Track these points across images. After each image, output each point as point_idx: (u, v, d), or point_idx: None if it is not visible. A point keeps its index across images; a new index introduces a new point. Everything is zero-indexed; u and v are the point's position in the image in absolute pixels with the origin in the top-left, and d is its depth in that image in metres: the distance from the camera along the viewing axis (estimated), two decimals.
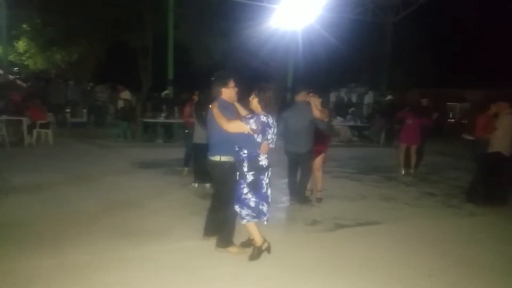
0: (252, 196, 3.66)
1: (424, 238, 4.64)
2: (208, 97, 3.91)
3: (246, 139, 3.63)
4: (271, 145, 3.72)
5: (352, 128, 15.21)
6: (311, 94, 5.48)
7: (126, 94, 13.50)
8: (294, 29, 16.05)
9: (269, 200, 3.80)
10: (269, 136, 3.65)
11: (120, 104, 13.05)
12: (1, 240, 3.91)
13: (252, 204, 3.66)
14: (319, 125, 5.50)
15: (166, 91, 13.98)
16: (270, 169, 3.75)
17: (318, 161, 5.74)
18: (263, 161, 3.68)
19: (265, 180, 3.72)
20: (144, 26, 16.50)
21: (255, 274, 3.48)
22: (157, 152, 10.26)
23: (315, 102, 5.42)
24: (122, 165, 8.19)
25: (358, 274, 3.58)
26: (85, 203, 5.33)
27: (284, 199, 5.89)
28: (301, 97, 5.52)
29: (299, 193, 5.67)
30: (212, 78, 3.82)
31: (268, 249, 3.79)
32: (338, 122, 14.74)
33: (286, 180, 5.86)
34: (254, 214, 3.70)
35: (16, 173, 6.80)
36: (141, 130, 12.54)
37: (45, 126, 10.19)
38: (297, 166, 5.63)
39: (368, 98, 18.16)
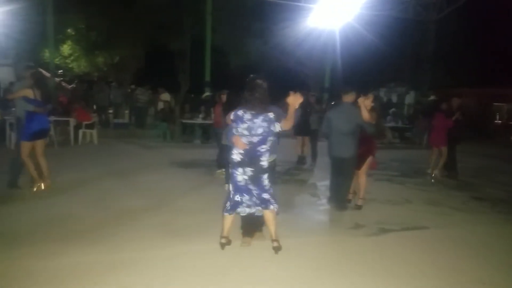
0: (229, 186, 3.86)
1: (474, 245, 4.42)
2: (235, 98, 3.90)
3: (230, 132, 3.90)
4: (244, 141, 3.67)
5: (393, 129, 14.76)
6: (362, 96, 5.29)
7: (166, 96, 13.83)
8: (331, 28, 15.81)
9: (253, 193, 3.75)
10: (239, 130, 3.67)
11: (160, 105, 13.39)
12: (47, 237, 4.06)
13: (230, 194, 3.83)
14: (367, 129, 5.26)
15: (206, 93, 14.17)
16: (251, 167, 3.67)
17: (363, 165, 5.52)
18: (234, 155, 3.71)
19: (241, 176, 3.71)
20: (182, 30, 16.84)
21: (301, 276, 3.42)
22: (195, 152, 10.41)
23: (365, 104, 5.22)
24: (162, 164, 8.37)
25: (406, 280, 3.43)
26: (129, 201, 5.48)
27: (325, 202, 5.79)
28: (349, 98, 5.29)
29: (340, 199, 5.46)
30: (247, 79, 3.81)
31: (222, 246, 3.82)
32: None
33: (327, 183, 5.75)
34: (228, 206, 3.80)
35: (63, 171, 7.07)
36: (180, 131, 12.79)
37: (90, 126, 10.62)
38: (340, 170, 5.42)
39: (409, 98, 17.57)
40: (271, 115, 3.67)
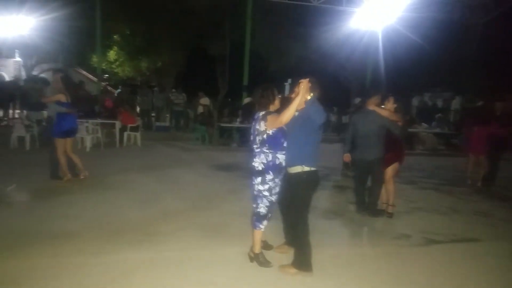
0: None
1: None
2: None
3: None
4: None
5: (438, 135, 14.16)
6: (388, 99, 5.16)
7: (205, 100, 14.10)
8: (373, 30, 15.45)
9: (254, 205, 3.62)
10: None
11: (200, 109, 13.67)
12: (97, 235, 4.23)
13: None
14: (394, 130, 5.09)
15: (248, 98, 14.27)
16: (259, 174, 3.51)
17: (389, 171, 5.27)
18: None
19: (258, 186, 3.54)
20: (222, 34, 17.08)
21: (345, 286, 3.34)
22: (232, 155, 10.51)
23: (389, 106, 5.10)
24: (201, 166, 8.53)
25: None
26: (170, 201, 5.65)
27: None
28: (373, 101, 5.14)
29: (371, 205, 5.28)
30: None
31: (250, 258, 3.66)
32: (422, 128, 13.84)
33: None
34: None
35: (109, 171, 7.41)
36: (218, 134, 12.97)
37: (134, 129, 11.01)
38: (366, 175, 5.27)
39: (456, 104, 16.80)
40: (260, 113, 3.50)
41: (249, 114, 10.91)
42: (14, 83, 14.61)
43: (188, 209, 5.31)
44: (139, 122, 11.44)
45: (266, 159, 3.45)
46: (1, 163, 7.56)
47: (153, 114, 14.63)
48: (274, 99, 3.52)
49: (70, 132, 6.36)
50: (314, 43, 16.11)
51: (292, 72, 15.73)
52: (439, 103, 17.69)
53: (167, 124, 14.41)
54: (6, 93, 13.43)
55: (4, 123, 12.97)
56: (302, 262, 3.42)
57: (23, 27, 14.55)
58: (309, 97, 3.28)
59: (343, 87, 18.86)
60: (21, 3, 14.05)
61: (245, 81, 15.06)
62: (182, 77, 19.71)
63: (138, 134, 11.06)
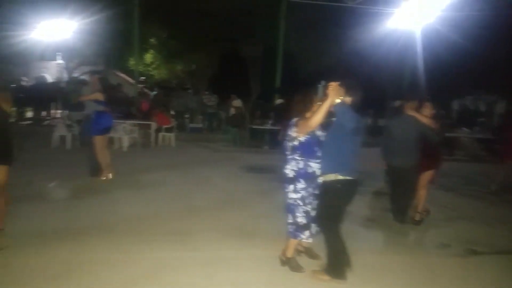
0: None
1: None
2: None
3: None
4: None
5: (480, 141, 13.47)
6: (426, 104, 4.96)
7: (237, 103, 14.17)
8: (411, 31, 14.94)
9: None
10: None
11: (232, 111, 13.76)
12: (130, 232, 4.34)
13: None
14: (430, 136, 4.87)
15: (280, 99, 14.21)
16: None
17: (424, 177, 5.07)
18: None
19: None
20: (255, 36, 17.14)
21: None
22: (263, 157, 10.48)
23: (426, 112, 4.89)
24: (232, 168, 8.56)
25: None
26: (202, 201, 5.75)
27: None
28: (411, 106, 4.96)
29: (402, 212, 5.08)
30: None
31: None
32: (463, 133, 13.23)
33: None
34: None
35: (144, 170, 7.62)
36: (249, 136, 12.99)
37: (169, 130, 11.26)
38: (401, 182, 5.04)
39: (500, 108, 15.93)
40: (295, 119, 3.44)
41: (281, 116, 10.86)
42: (56, 84, 15.34)
43: (218, 209, 5.37)
44: (173, 123, 11.67)
45: (297, 167, 3.36)
46: (43, 161, 7.92)
47: (186, 116, 14.88)
48: (311, 106, 3.38)
49: (107, 130, 6.71)
50: (349, 44, 15.79)
51: (326, 74, 15.53)
52: (482, 107, 16.84)
53: (200, 125, 14.62)
54: (48, 94, 14.13)
55: (47, 122, 13.62)
56: (335, 269, 3.31)
57: (65, 30, 15.24)
58: (338, 101, 3.15)
59: (379, 89, 18.36)
60: (63, 8, 14.73)
61: (278, 83, 15.00)
62: (215, 79, 19.96)
63: (172, 135, 11.28)
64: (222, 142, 12.54)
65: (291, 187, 3.40)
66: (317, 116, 3.14)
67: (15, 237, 3.93)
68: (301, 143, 3.34)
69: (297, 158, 3.36)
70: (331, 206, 3.31)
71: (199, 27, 16.69)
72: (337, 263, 3.29)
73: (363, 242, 4.11)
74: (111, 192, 5.96)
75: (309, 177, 3.35)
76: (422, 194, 5.15)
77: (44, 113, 14.54)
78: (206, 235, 4.33)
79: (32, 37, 15.96)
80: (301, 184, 3.35)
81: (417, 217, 5.16)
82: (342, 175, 3.24)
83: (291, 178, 3.40)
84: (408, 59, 16.18)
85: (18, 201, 4.70)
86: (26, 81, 15.74)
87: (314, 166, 3.35)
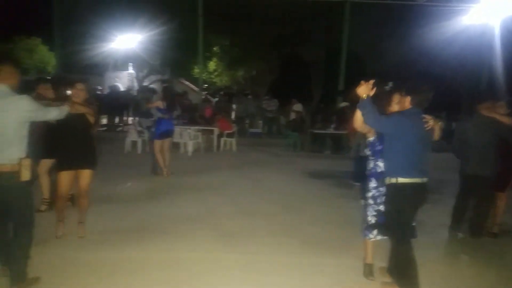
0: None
1: None
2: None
3: None
4: None
5: None
6: (500, 103, 4.57)
7: (298, 107, 14.12)
8: (487, 26, 13.78)
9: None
10: None
11: (292, 116, 13.74)
12: (192, 233, 4.52)
13: None
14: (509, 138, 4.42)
15: (345, 103, 13.91)
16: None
17: (505, 186, 4.67)
18: None
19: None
20: (317, 39, 16.96)
21: None
22: (324, 163, 10.29)
23: (500, 112, 4.46)
24: (292, 173, 8.54)
25: None
26: (261, 205, 5.84)
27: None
28: (486, 106, 4.54)
29: (476, 225, 4.64)
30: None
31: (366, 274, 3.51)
32: None
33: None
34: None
35: (207, 174, 7.97)
36: (310, 141, 12.85)
37: (230, 135, 11.55)
38: (473, 191, 4.62)
39: None
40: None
41: (343, 120, 10.60)
42: (128, 93, 16.44)
43: (279, 214, 5.41)
44: (234, 128, 11.94)
45: (369, 166, 3.45)
46: (116, 165, 8.52)
47: (246, 121, 15.14)
48: (387, 105, 3.41)
49: (166, 134, 7.41)
50: (417, 43, 14.97)
51: (392, 75, 14.88)
52: None
53: (259, 130, 14.78)
54: (121, 102, 15.20)
55: (120, 129, 14.65)
56: (407, 282, 3.13)
57: (135, 42, 16.34)
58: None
59: (453, 90, 17.15)
60: (134, 21, 15.82)
61: (341, 86, 14.66)
62: (276, 84, 20.07)
63: (233, 140, 11.54)
64: (282, 147, 12.56)
65: (365, 186, 3.51)
66: (356, 116, 3.26)
67: (91, 233, 4.30)
68: (370, 143, 3.42)
69: (370, 158, 3.45)
70: (391, 210, 3.22)
71: (261, 34, 16.91)
72: (409, 276, 3.11)
73: (434, 252, 3.87)
74: (174, 194, 6.29)
75: (380, 177, 3.35)
76: (502, 204, 4.72)
77: (117, 120, 15.64)
78: (263, 240, 4.39)
79: (106, 49, 17.37)
80: (372, 184, 3.40)
81: (495, 229, 4.74)
82: (402, 178, 3.13)
83: (365, 177, 3.51)
84: (484, 57, 14.89)
85: (93, 201, 5.10)
86: (101, 90, 17.07)
87: (382, 165, 3.35)
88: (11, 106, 2.96)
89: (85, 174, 4.07)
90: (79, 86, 3.94)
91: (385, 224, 3.30)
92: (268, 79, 19.69)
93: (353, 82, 3.33)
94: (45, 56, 21.30)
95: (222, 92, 18.76)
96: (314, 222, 5.11)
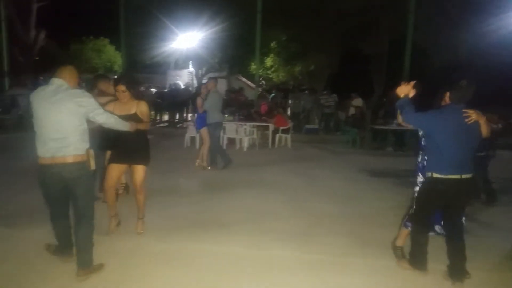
0: None
1: None
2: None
3: None
4: None
5: None
6: None
7: (358, 101, 13.56)
8: None
9: None
10: None
11: (351, 111, 13.22)
12: (249, 229, 4.47)
13: None
14: None
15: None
16: None
17: None
18: None
19: None
20: (380, 31, 16.20)
21: None
22: (386, 160, 9.74)
23: None
24: (350, 171, 8.18)
25: None
26: (317, 203, 5.64)
27: None
28: None
29: None
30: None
31: None
32: None
33: None
34: None
35: (262, 170, 7.91)
36: (370, 137, 12.27)
37: (285, 131, 11.37)
38: None
39: None
40: None
41: None
42: (187, 90, 16.94)
43: (336, 214, 5.20)
44: (290, 124, 11.76)
45: (418, 160, 3.63)
46: (175, 159, 8.77)
47: (302, 117, 14.84)
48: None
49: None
50: (491, 33, 13.65)
51: (461, 67, 13.75)
52: None
53: (316, 126, 14.42)
54: (181, 100, 15.70)
55: (180, 125, 15.15)
56: (416, 260, 3.40)
57: (196, 40, 16.75)
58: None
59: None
60: (194, 19, 16.23)
61: (405, 80, 13.83)
62: (335, 78, 19.52)
63: (288, 136, 11.36)
64: (339, 144, 12.14)
65: (415, 180, 3.67)
66: (401, 114, 3.39)
67: (151, 227, 4.41)
68: (420, 137, 3.59)
69: (420, 152, 3.63)
70: (423, 201, 3.36)
71: (320, 27, 16.50)
72: (419, 254, 3.38)
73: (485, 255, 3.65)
74: (231, 188, 6.33)
75: (424, 171, 3.45)
76: None
77: (177, 117, 16.20)
78: (323, 239, 4.27)
79: (168, 48, 18.05)
80: (419, 178, 3.58)
81: None
82: (437, 173, 3.20)
83: (414, 171, 3.69)
84: None
85: (153, 193, 5.28)
86: (162, 88, 17.78)
87: None
88: (69, 100, 3.08)
89: (138, 170, 4.07)
90: (121, 88, 3.87)
91: (412, 212, 3.45)
92: (326, 73, 19.20)
93: (418, 76, 3.26)
94: (112, 55, 22.72)
95: (278, 88, 18.62)
96: (374, 223, 4.88)
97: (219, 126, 8.02)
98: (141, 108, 3.96)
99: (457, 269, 3.25)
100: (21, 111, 13.05)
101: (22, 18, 16.25)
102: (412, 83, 3.35)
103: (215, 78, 8.74)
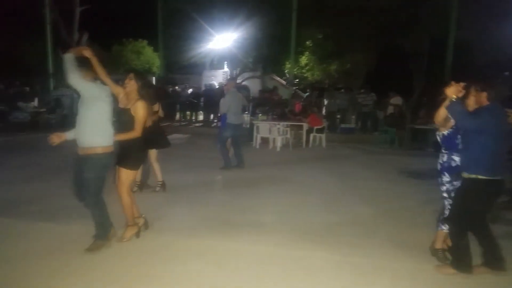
0: None
1: None
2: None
3: None
4: None
5: None
6: None
7: (396, 100, 13.06)
8: None
9: None
10: None
11: (390, 110, 12.76)
12: (279, 228, 4.39)
13: None
14: None
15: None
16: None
17: None
18: None
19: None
20: (420, 28, 15.55)
21: None
22: (426, 161, 9.27)
23: None
24: (388, 172, 7.90)
25: None
26: (357, 205, 5.50)
27: None
28: None
29: None
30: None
31: None
32: None
33: None
34: None
35: (294, 169, 7.86)
36: (410, 137, 11.78)
37: (320, 131, 11.15)
38: None
39: None
40: None
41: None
42: (221, 90, 17.01)
43: (375, 216, 5.02)
44: (324, 124, 11.52)
45: (442, 160, 3.49)
46: (210, 158, 8.80)
47: (338, 116, 14.50)
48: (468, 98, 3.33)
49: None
50: None
51: (504, 64, 12.89)
52: None
53: (352, 125, 14.03)
54: (215, 100, 15.80)
55: (214, 125, 15.27)
56: (460, 263, 3.28)
57: (230, 41, 16.82)
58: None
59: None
60: (230, 20, 16.31)
61: (447, 77, 13.21)
62: (372, 77, 18.95)
63: (323, 136, 11.14)
64: (376, 144, 11.76)
65: (439, 180, 3.55)
66: (438, 112, 3.35)
67: (172, 223, 4.46)
68: (444, 136, 3.49)
69: (443, 151, 3.51)
70: (467, 204, 3.25)
71: (357, 25, 16.08)
72: (462, 257, 3.27)
73: None
74: (262, 187, 6.35)
75: (454, 171, 3.41)
76: None
77: (212, 117, 16.32)
78: (352, 240, 4.15)
79: (204, 49, 18.27)
80: (445, 178, 3.48)
81: None
82: (474, 174, 3.16)
83: (438, 171, 3.54)
84: None
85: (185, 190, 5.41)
86: (199, 88, 17.99)
87: (458, 160, 3.38)
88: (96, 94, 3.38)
89: (120, 171, 3.80)
90: (130, 75, 3.76)
91: (450, 214, 3.38)
92: (363, 71, 18.68)
93: (461, 73, 3.03)
94: (151, 57, 23.31)
95: (312, 87, 18.32)
96: (409, 225, 4.68)
97: (232, 128, 7.37)
98: (137, 107, 3.70)
99: (494, 257, 3.24)
100: (66, 110, 13.70)
101: (66, 21, 17.02)
102: (462, 84, 3.26)
103: (234, 78, 8.58)
